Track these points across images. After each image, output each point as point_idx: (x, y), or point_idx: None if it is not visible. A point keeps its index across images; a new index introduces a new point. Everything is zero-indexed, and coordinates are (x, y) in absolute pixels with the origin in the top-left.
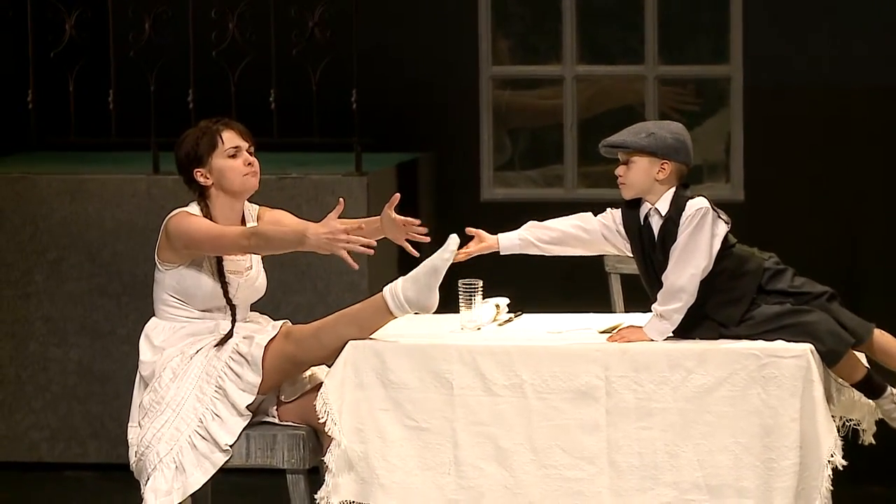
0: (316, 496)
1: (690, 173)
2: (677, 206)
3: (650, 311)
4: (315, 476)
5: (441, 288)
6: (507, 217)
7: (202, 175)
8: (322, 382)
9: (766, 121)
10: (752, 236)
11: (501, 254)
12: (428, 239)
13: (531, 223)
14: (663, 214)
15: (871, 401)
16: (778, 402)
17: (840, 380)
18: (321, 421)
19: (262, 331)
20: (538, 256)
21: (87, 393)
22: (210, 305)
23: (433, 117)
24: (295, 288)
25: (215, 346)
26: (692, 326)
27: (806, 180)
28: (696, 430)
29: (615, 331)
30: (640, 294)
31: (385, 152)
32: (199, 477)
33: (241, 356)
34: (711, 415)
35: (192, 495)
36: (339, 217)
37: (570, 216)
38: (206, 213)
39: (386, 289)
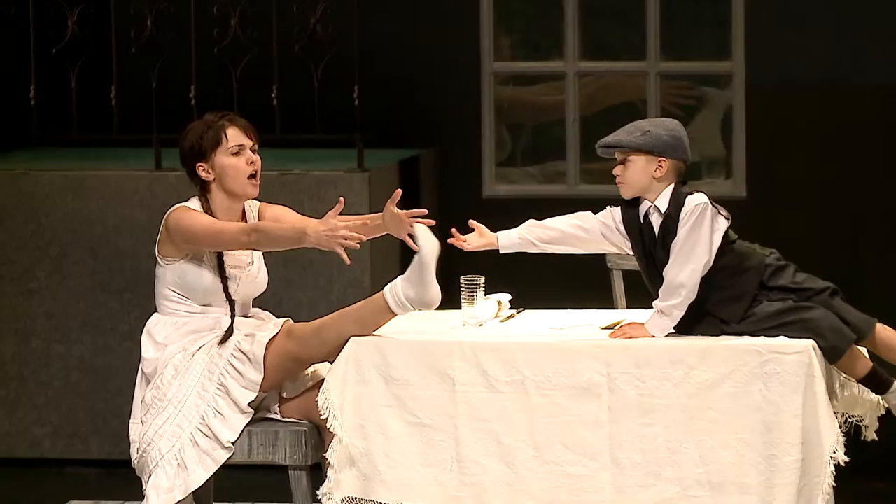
0: (318, 492)
1: (689, 169)
2: (677, 203)
3: (652, 307)
4: (317, 472)
5: (443, 284)
6: (509, 213)
7: (204, 170)
8: (324, 379)
9: (769, 117)
10: (754, 233)
11: (501, 252)
12: (432, 222)
13: (531, 221)
14: (663, 211)
15: (874, 397)
16: (780, 398)
17: (844, 375)
18: (323, 417)
19: (264, 328)
20: (539, 253)
21: (90, 389)
22: (211, 300)
23: (435, 114)
24: (297, 284)
25: (218, 343)
26: (694, 323)
27: (808, 176)
28: (698, 427)
29: (617, 327)
30: (642, 290)
31: (387, 148)
32: (200, 474)
33: (243, 354)
34: (713, 411)
35: (193, 492)
36: (340, 215)
37: (570, 215)
38: (207, 209)
39: (386, 288)
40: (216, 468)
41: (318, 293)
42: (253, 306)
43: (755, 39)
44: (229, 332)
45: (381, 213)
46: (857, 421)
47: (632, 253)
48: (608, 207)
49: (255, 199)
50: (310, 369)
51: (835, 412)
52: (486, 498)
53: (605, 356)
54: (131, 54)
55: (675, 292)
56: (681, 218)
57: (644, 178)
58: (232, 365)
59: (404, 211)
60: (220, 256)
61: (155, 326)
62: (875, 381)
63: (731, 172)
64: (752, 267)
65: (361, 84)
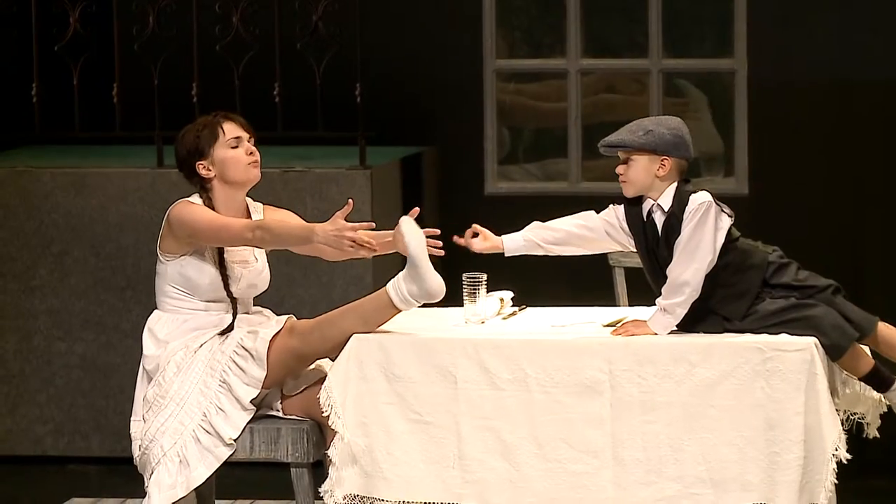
0: (320, 490)
1: (691, 167)
2: (680, 202)
3: (654, 304)
4: (319, 469)
5: (445, 282)
6: (511, 211)
7: (204, 167)
8: (325, 376)
9: (771, 114)
10: (756, 230)
11: (506, 255)
12: (442, 253)
13: (534, 224)
14: (666, 210)
15: (875, 395)
16: (782, 395)
17: (846, 373)
18: (325, 414)
19: (266, 325)
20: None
21: (92, 387)
22: (213, 297)
23: (437, 111)
24: (299, 282)
25: (219, 335)
26: (697, 321)
27: (810, 174)
28: (700, 424)
29: (619, 324)
30: (644, 288)
31: (389, 146)
32: (202, 471)
33: (246, 350)
34: (715, 409)
35: (195, 489)
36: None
37: (573, 215)
38: (209, 205)
39: (389, 284)
40: (218, 465)
41: (320, 291)
42: (254, 304)
43: (757, 37)
44: (230, 328)
45: (388, 232)
46: (859, 418)
47: (636, 251)
48: (611, 206)
49: (259, 201)
50: (311, 366)
51: (837, 410)
52: (487, 495)
53: (607, 354)
54: (133, 51)
55: (678, 290)
56: (685, 216)
57: (647, 177)
58: (234, 362)
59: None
60: (221, 253)
61: (156, 323)
62: (877, 380)
63: (732, 170)
64: (754, 265)
65: (363, 81)
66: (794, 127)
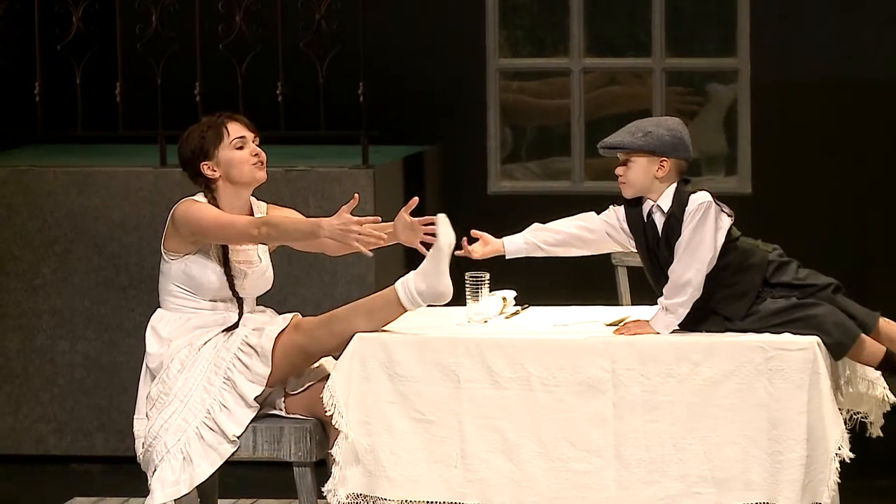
0: (323, 489)
1: (691, 165)
2: (680, 202)
3: (657, 304)
4: (322, 469)
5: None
6: (514, 210)
7: (209, 168)
8: (328, 375)
9: (773, 113)
10: (759, 229)
11: (507, 258)
12: (433, 239)
13: (535, 225)
14: (666, 211)
15: (879, 393)
16: (785, 394)
17: (849, 372)
18: (328, 413)
19: (272, 322)
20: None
21: (95, 385)
22: (217, 296)
23: (440, 110)
24: (302, 281)
25: (223, 332)
26: (698, 321)
27: (813, 173)
28: (702, 423)
29: (622, 324)
30: (647, 287)
31: (392, 145)
32: (206, 468)
33: (251, 347)
34: (718, 408)
35: (198, 487)
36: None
37: (573, 216)
38: (214, 205)
39: (398, 283)
40: (221, 462)
41: (322, 290)
42: (257, 303)
43: (760, 36)
44: (235, 326)
45: (389, 223)
46: (862, 417)
47: (636, 251)
48: (611, 207)
49: (263, 200)
50: (315, 365)
51: (840, 409)
52: (490, 494)
53: (609, 353)
54: (136, 51)
55: (681, 290)
56: (684, 217)
57: (646, 178)
58: (239, 359)
59: (418, 219)
60: (225, 253)
61: (159, 322)
62: (893, 364)
63: (735, 169)
64: (755, 264)
65: (366, 80)
66: (796, 126)
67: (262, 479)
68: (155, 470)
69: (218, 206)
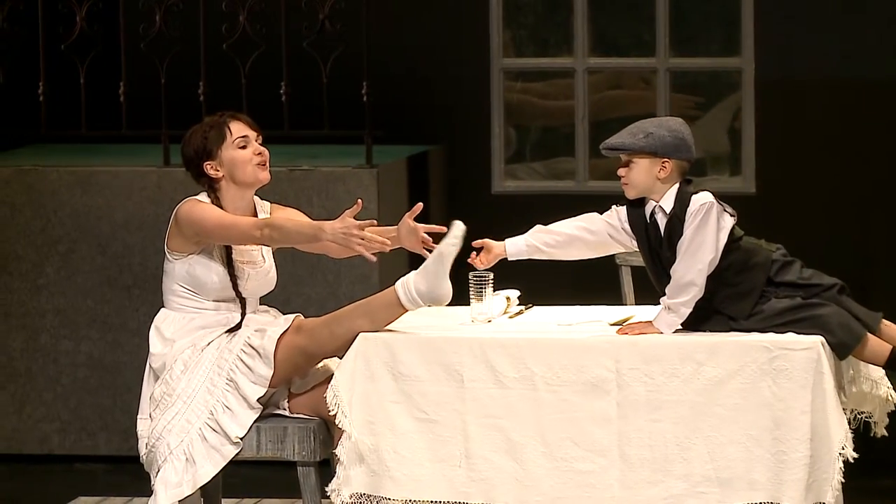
0: (326, 488)
1: (694, 165)
2: (682, 203)
3: (660, 303)
4: (325, 468)
5: (452, 280)
6: (518, 210)
7: (212, 168)
8: (332, 375)
9: (778, 113)
10: (763, 229)
11: (509, 260)
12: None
13: (537, 227)
14: (668, 211)
15: (883, 393)
16: (789, 394)
17: (852, 371)
18: (332, 413)
19: (274, 324)
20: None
21: (98, 385)
22: (220, 296)
23: (444, 110)
24: (306, 281)
25: (226, 333)
26: (702, 321)
27: (817, 172)
28: (706, 423)
29: (625, 323)
30: (651, 286)
31: (396, 145)
32: (209, 469)
33: (253, 349)
34: (722, 407)
35: (202, 488)
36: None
37: (575, 218)
38: (217, 205)
39: (398, 283)
40: (224, 463)
41: (326, 290)
42: (260, 304)
43: (764, 36)
44: (238, 327)
45: (393, 228)
46: (866, 417)
47: (639, 251)
48: (613, 207)
49: (266, 199)
50: (318, 365)
51: (844, 408)
52: (494, 494)
53: (613, 352)
54: (140, 50)
55: (683, 290)
56: (687, 217)
57: (648, 179)
58: (241, 360)
59: (422, 226)
60: (229, 253)
61: (163, 322)
62: None
63: (739, 169)
64: (758, 263)
65: (370, 80)
66: (801, 126)
67: (265, 478)
68: (158, 471)
69: (221, 206)
